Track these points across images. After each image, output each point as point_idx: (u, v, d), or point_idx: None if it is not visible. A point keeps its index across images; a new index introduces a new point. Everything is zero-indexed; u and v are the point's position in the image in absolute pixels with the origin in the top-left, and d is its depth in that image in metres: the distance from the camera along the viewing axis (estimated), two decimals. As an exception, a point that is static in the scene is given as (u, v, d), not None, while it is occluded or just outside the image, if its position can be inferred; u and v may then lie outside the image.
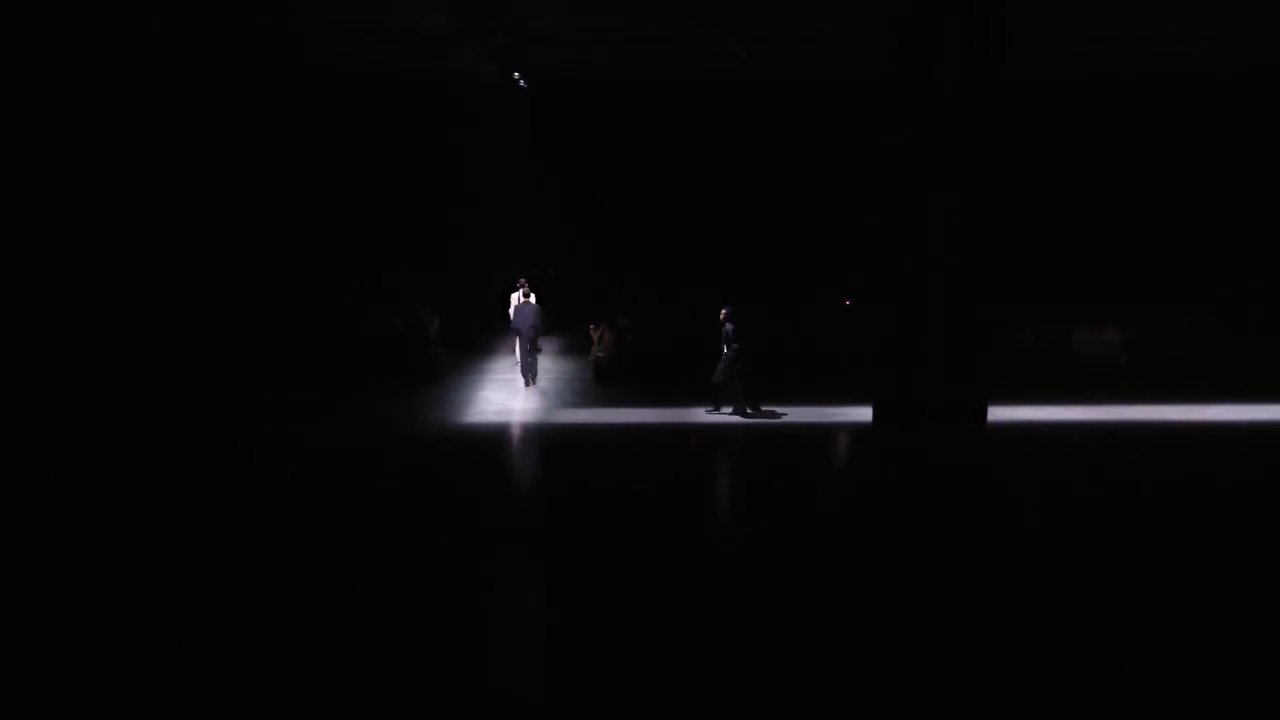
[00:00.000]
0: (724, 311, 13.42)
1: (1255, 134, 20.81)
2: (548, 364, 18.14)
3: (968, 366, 11.58)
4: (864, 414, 13.21)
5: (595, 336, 16.99)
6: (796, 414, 13.84)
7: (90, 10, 16.09)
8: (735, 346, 13.28)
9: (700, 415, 13.64)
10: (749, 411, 13.64)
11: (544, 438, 12.91)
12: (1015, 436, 12.66)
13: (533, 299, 16.35)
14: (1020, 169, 10.87)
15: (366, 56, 19.20)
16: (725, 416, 13.55)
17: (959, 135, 10.46)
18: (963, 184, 10.58)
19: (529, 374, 16.12)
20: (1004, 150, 10.79)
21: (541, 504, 10.00)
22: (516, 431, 13.21)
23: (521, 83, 18.50)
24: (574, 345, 19.75)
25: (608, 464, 11.58)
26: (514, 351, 16.95)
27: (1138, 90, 20.35)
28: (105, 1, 15.63)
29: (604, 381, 16.31)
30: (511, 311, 16.64)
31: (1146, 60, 18.59)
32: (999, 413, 12.80)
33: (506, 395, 15.46)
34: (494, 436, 12.85)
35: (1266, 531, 8.84)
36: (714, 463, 12.15)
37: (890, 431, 12.42)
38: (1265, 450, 12.54)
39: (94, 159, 18.83)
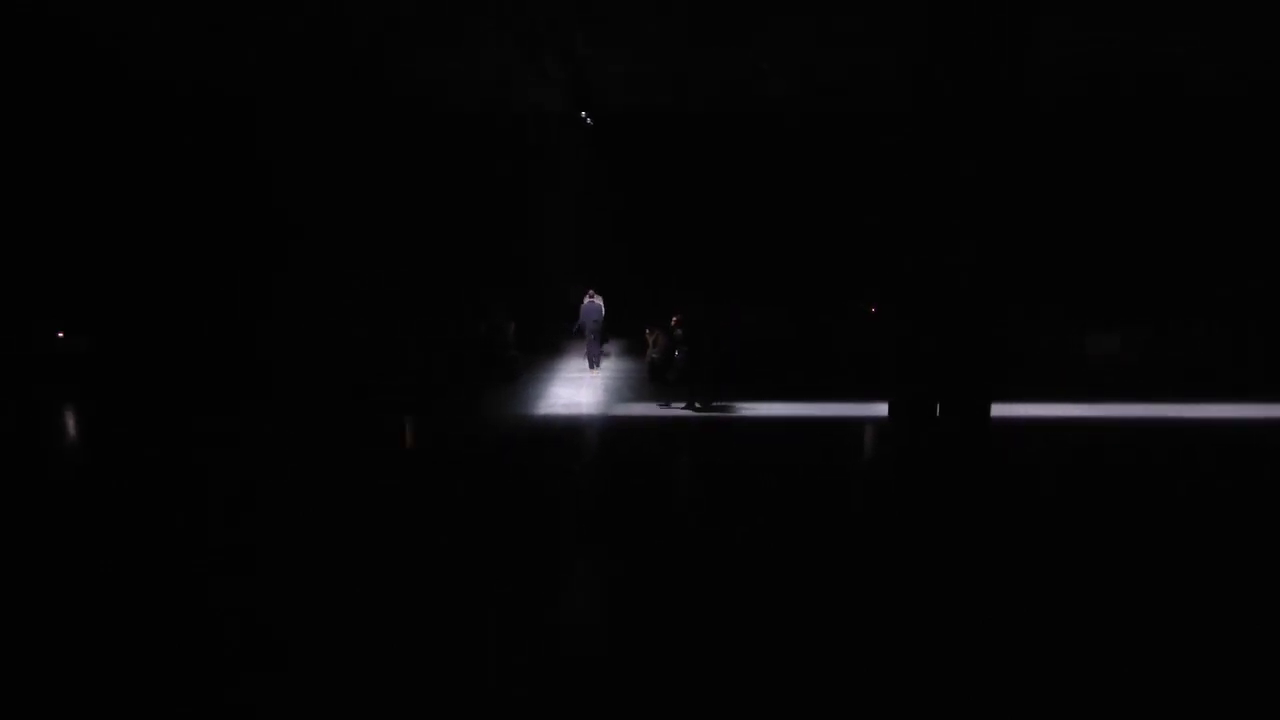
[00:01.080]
0: (675, 319, 15.78)
1: (1253, 134, 21.29)
2: (611, 363, 20.71)
3: (969, 366, 11.41)
4: (853, 410, 15.41)
5: (650, 340, 19.23)
6: (804, 410, 16.08)
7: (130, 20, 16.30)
8: (686, 349, 15.70)
9: (732, 410, 15.88)
10: (697, 406, 15.91)
11: (602, 427, 15.26)
12: (1025, 434, 14.01)
13: (599, 300, 19.25)
14: (1019, 169, 10.53)
15: (445, 95, 21.31)
16: (682, 409, 15.77)
17: (957, 135, 10.33)
18: (961, 184, 10.49)
19: (594, 360, 19.16)
20: (1004, 150, 10.41)
21: (590, 473, 12.19)
22: (581, 421, 15.57)
23: (588, 120, 20.90)
24: (632, 348, 22.26)
25: (647, 448, 13.79)
26: (584, 347, 19.81)
27: (1136, 90, 20.80)
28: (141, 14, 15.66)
29: (657, 380, 18.58)
30: (581, 310, 19.48)
31: (1146, 60, 18.63)
32: (1014, 410, 14.23)
33: (573, 391, 17.98)
34: (562, 425, 15.24)
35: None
36: (738, 451, 14.30)
37: (898, 426, 12.73)
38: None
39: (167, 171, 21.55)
